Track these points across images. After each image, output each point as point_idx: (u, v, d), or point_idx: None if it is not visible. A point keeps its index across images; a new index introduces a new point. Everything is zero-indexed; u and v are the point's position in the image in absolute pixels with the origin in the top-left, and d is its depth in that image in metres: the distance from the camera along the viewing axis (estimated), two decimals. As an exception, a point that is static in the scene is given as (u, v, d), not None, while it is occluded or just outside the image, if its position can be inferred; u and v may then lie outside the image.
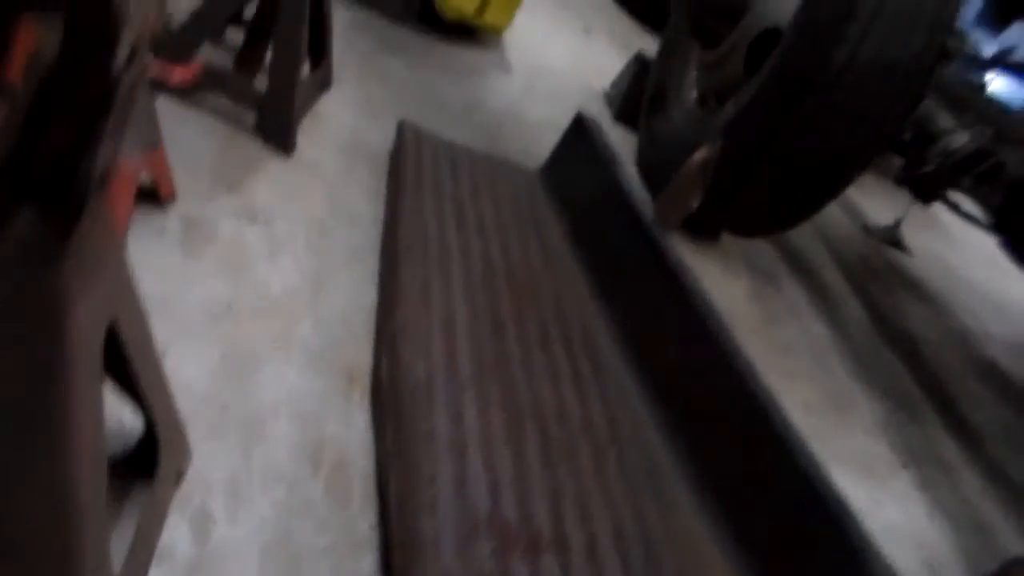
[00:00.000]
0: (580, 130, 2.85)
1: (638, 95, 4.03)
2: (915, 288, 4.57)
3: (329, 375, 1.82)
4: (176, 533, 1.35)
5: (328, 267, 2.12)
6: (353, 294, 2.08)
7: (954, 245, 5.76)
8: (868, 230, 5.12)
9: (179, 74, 1.74)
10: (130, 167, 1.78)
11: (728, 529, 1.74)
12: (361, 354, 1.91)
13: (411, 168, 2.49)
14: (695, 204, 2.71)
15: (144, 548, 1.26)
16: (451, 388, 1.76)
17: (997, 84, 3.50)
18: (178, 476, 1.41)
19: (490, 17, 3.98)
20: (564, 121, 3.09)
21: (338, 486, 1.58)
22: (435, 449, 1.59)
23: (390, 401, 1.69)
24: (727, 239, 3.56)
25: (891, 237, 5.12)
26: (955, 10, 2.86)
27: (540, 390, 1.88)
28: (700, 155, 2.73)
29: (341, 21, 3.54)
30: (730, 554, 1.69)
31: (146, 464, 1.31)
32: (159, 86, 1.78)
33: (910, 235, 5.11)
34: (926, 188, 3.79)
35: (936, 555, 2.45)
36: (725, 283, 3.26)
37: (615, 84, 4.39)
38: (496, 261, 2.27)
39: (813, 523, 1.63)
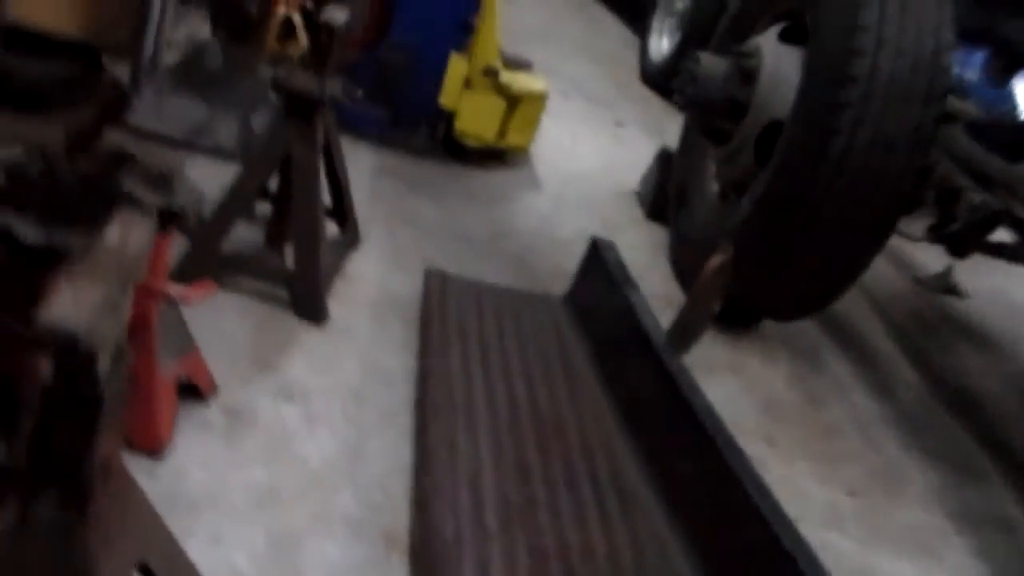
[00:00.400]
0: (595, 255, 3.00)
1: (666, 191, 4.15)
2: (975, 335, 4.51)
3: (369, 542, 1.97)
4: None
5: (364, 433, 2.29)
6: (390, 456, 2.23)
7: (1014, 275, 5.65)
8: (920, 281, 5.07)
9: (196, 294, 1.94)
10: (167, 377, 1.98)
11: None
12: (399, 516, 2.05)
13: (437, 318, 2.66)
14: (716, 309, 2.82)
15: None
16: (477, 542, 1.89)
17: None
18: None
19: (511, 138, 4.18)
20: (596, 231, 3.24)
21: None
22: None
23: (421, 563, 1.83)
24: (768, 323, 3.63)
25: (945, 284, 5.03)
26: (947, 79, 2.94)
27: (566, 531, 2.00)
28: (715, 261, 2.84)
29: (368, 166, 3.78)
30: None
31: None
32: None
33: (966, 275, 5.02)
34: (958, 245, 3.82)
35: None
36: (764, 371, 3.34)
37: (644, 181, 4.50)
38: (521, 401, 2.41)
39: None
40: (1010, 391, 4.03)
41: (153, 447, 1.97)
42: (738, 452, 2.08)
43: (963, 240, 3.75)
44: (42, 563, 1.11)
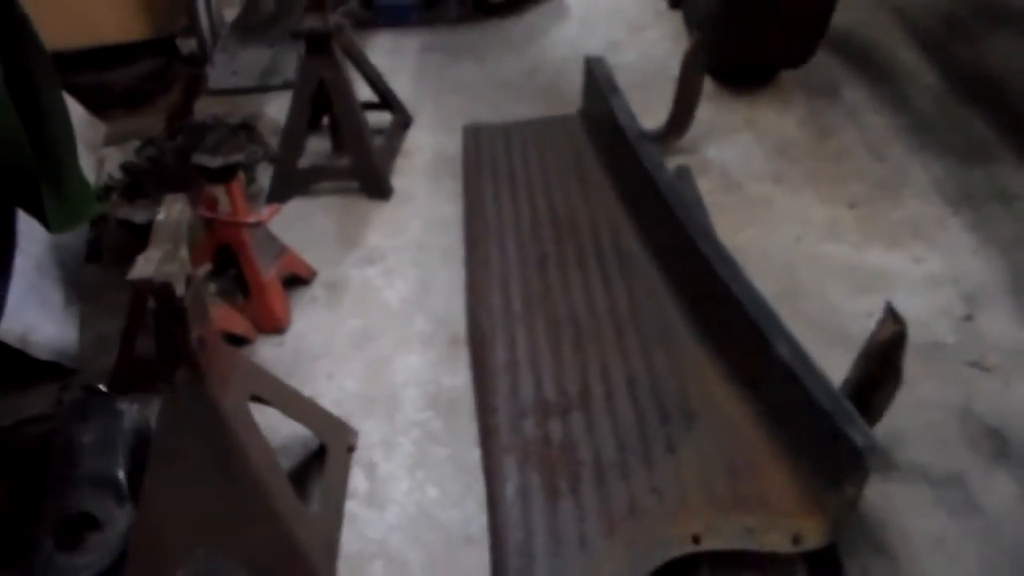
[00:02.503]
0: (590, 71, 3.59)
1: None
2: (1010, 20, 4.40)
3: (440, 346, 2.76)
4: (356, 479, 2.35)
5: (430, 273, 3.06)
6: (450, 284, 3.00)
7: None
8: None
9: (268, 214, 2.72)
10: (271, 278, 2.80)
11: (717, 353, 2.47)
12: (459, 325, 2.82)
13: (473, 165, 3.40)
14: (700, 88, 3.36)
15: (336, 494, 2.27)
16: (507, 326, 2.64)
17: None
18: (350, 449, 2.41)
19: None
20: (624, 38, 3.72)
21: (453, 417, 2.52)
22: (496, 372, 2.49)
23: (472, 351, 2.61)
24: (785, 73, 4.01)
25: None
26: None
27: (575, 300, 2.71)
28: (690, 44, 3.36)
29: (414, 50, 4.46)
30: (713, 360, 2.45)
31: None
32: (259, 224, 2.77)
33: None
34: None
35: (974, 286, 2.78)
36: (778, 119, 3.77)
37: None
38: (541, 211, 3.11)
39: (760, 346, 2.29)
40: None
41: (276, 328, 2.83)
42: (694, 218, 2.67)
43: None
44: (189, 408, 1.91)
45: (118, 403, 2.40)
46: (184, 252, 1.90)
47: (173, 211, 1.97)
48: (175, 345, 1.84)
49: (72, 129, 2.15)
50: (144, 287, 1.78)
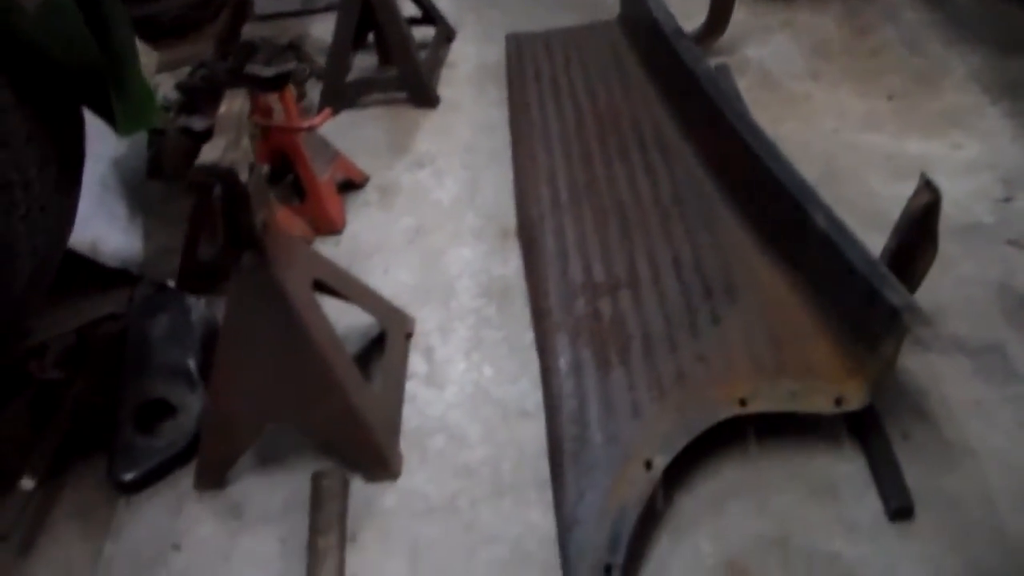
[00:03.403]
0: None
1: None
2: None
3: (491, 239, 2.86)
4: (415, 362, 2.47)
5: (478, 172, 3.16)
6: (498, 182, 3.09)
7: None
8: None
9: (320, 120, 2.82)
10: (326, 182, 2.90)
11: (757, 232, 2.53)
12: (508, 218, 2.92)
13: (517, 72, 3.47)
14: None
15: (396, 375, 2.39)
16: (555, 216, 2.73)
17: None
18: (408, 336, 2.53)
19: None
20: None
21: (505, 303, 2.62)
22: (546, 258, 2.58)
23: (522, 240, 2.70)
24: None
25: None
26: None
27: (620, 190, 2.78)
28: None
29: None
30: (755, 239, 2.52)
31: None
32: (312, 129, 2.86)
33: None
34: None
35: (1013, 170, 2.80)
36: (815, 19, 3.77)
37: None
38: (584, 109, 3.18)
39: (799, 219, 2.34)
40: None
41: (333, 230, 2.95)
42: (733, 105, 2.72)
43: None
44: (255, 290, 2.01)
45: (186, 298, 2.53)
46: (246, 141, 2.00)
47: (235, 104, 2.08)
48: (240, 230, 1.93)
49: (134, 37, 2.25)
50: (210, 172, 1.87)
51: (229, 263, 1.97)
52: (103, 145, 2.90)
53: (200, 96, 3.02)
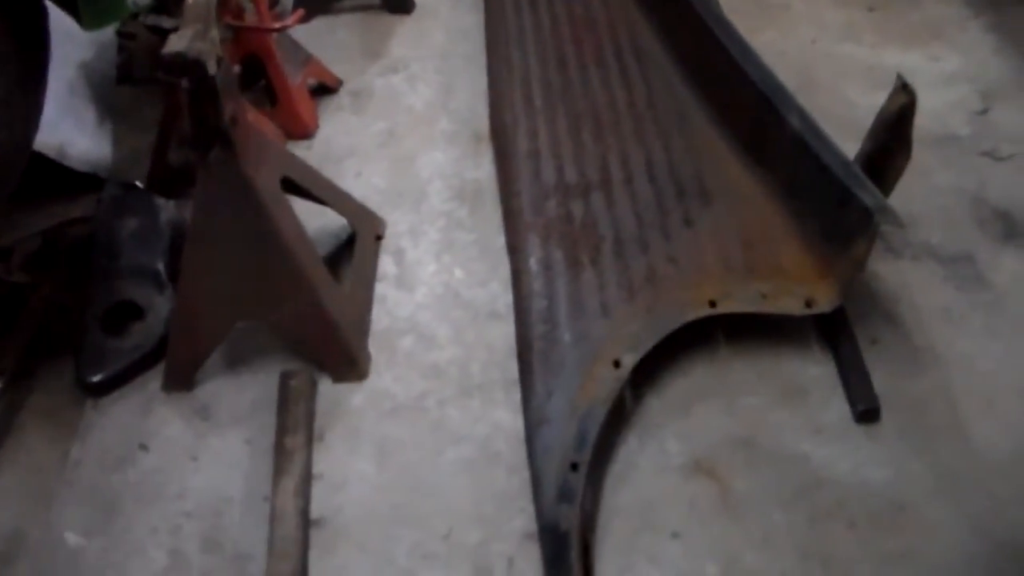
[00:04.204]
0: None
1: None
2: None
3: (464, 143, 2.83)
4: (385, 264, 2.46)
5: (452, 77, 3.12)
6: (473, 87, 3.05)
7: None
8: None
9: (292, 21, 2.75)
10: (298, 85, 2.85)
11: (731, 135, 2.51)
12: (482, 123, 2.88)
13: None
14: None
15: (366, 276, 2.38)
16: (528, 119, 2.69)
17: None
18: (379, 238, 2.51)
19: None
20: None
21: (477, 206, 2.60)
22: (518, 160, 2.55)
23: (495, 143, 2.68)
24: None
25: None
26: None
27: (595, 96, 2.74)
28: None
29: None
30: (728, 142, 2.50)
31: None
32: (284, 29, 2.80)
33: None
34: None
35: (992, 82, 2.82)
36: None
37: None
38: (560, 15, 3.12)
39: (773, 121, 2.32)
40: None
41: (304, 134, 2.91)
42: (710, 9, 2.69)
43: None
44: (223, 186, 1.97)
45: (155, 200, 2.50)
46: (215, 33, 1.93)
47: (203, -7, 2.00)
48: (208, 125, 1.88)
49: None
50: (176, 62, 1.81)
51: (197, 159, 1.92)
52: (70, 48, 2.83)
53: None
